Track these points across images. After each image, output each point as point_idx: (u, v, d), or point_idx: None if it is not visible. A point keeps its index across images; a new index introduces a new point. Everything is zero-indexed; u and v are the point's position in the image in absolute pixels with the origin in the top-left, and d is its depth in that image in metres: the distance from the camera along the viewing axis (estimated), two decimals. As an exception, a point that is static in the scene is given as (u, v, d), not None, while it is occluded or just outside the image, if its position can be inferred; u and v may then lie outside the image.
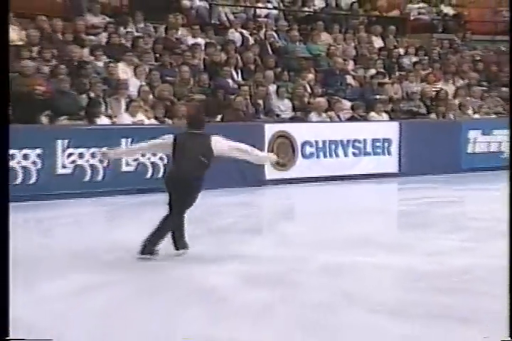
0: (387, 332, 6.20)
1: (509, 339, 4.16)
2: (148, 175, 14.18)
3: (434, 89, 20.12)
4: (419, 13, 24.25)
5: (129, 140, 13.68)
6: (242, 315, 6.69)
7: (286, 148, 15.95)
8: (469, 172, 17.74)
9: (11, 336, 3.75)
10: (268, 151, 15.54)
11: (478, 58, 23.10)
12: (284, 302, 7.09)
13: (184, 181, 8.83)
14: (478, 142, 18.81)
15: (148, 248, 8.62)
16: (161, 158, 14.15)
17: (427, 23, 24.01)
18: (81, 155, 13.35)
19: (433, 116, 19.25)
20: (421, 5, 24.55)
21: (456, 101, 20.01)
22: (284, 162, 15.83)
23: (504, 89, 21.30)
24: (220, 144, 8.96)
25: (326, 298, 7.25)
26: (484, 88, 21.38)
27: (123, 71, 15.76)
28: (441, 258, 9.05)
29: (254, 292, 7.52)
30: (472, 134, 18.71)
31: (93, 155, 13.39)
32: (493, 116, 20.19)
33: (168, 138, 8.99)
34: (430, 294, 7.48)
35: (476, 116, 19.99)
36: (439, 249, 9.62)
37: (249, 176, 14.95)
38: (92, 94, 14.68)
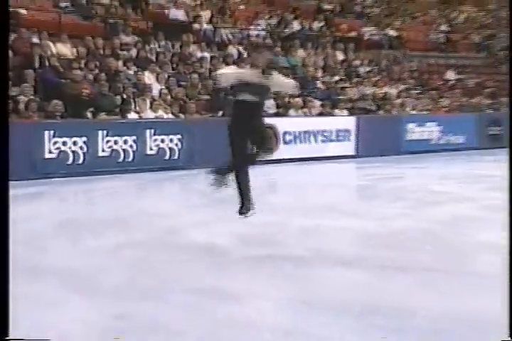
0: (347, 279, 6.19)
1: (509, 339, 3.66)
2: (167, 156, 14.13)
3: (381, 92, 20.20)
4: (371, 34, 24.22)
5: (152, 130, 13.81)
6: (238, 268, 6.66)
7: (271, 137, 15.94)
8: (407, 154, 17.72)
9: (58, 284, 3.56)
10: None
11: (414, 69, 23.15)
12: (269, 258, 7.05)
13: None
14: (414, 132, 18.83)
15: (246, 207, 7.91)
16: (176, 144, 14.17)
17: (376, 42, 23.95)
18: (116, 142, 13.29)
19: (381, 112, 19.32)
20: (372, 28, 24.55)
21: (398, 101, 20.10)
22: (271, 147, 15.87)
23: (433, 92, 21.47)
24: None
25: (301, 253, 7.24)
26: (419, 91, 21.42)
27: (148, 78, 15.78)
28: (387, 222, 9.01)
29: (246, 249, 7.49)
30: (410, 126, 18.79)
31: (125, 142, 13.43)
32: (425, 112, 20.20)
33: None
34: (378, 250, 7.46)
35: (413, 112, 20.01)
36: (385, 215, 9.57)
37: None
38: (125, 96, 14.77)
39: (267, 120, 15.69)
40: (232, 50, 18.97)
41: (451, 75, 23.54)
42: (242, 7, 22.31)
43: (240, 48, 19.19)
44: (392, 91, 20.61)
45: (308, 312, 5.29)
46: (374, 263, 6.82)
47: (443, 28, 27.47)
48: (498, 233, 8.22)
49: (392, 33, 25.10)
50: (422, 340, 4.69)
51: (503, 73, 25.77)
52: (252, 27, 21.45)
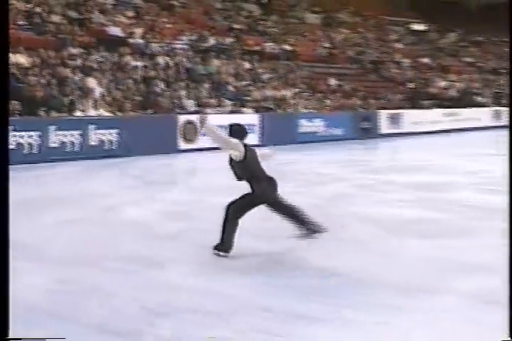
0: (256, 248, 6.11)
1: (509, 339, 3.29)
2: (107, 147, 13.83)
3: (280, 94, 20.19)
4: (271, 49, 24.15)
5: (94, 125, 13.55)
6: (162, 239, 6.51)
7: (192, 131, 15.72)
8: (300, 144, 17.77)
9: (12, 255, 3.37)
10: (180, 133, 15.42)
11: (304, 76, 23.17)
12: (187, 230, 6.93)
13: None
14: (305, 126, 18.89)
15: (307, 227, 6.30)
16: (114, 137, 13.91)
17: (275, 54, 23.89)
18: (64, 135, 12.94)
19: (279, 110, 19.37)
20: (272, 43, 24.51)
21: (293, 102, 20.15)
22: (192, 138, 15.65)
23: (319, 94, 21.57)
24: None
25: (215, 227, 7.10)
26: (308, 94, 21.50)
27: (91, 82, 15.34)
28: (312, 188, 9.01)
29: (169, 223, 7.33)
30: (301, 121, 18.84)
31: (72, 135, 13.10)
32: (313, 110, 20.25)
33: (239, 143, 6.01)
34: (278, 223, 7.38)
35: (304, 110, 20.02)
36: (282, 193, 9.50)
37: (168, 146, 14.79)
38: (71, 97, 14.35)
39: (189, 117, 15.74)
40: (160, 60, 18.69)
41: (332, 81, 23.69)
42: (168, 25, 21.96)
43: (167, 58, 18.93)
44: (288, 93, 20.65)
45: (217, 274, 5.22)
46: (272, 233, 6.74)
47: (326, 44, 27.65)
48: (367, 206, 8.35)
49: (287, 47, 25.12)
50: (308, 294, 4.64)
51: (372, 80, 26.22)
52: (176, 41, 21.20)
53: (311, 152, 15.99)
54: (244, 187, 9.59)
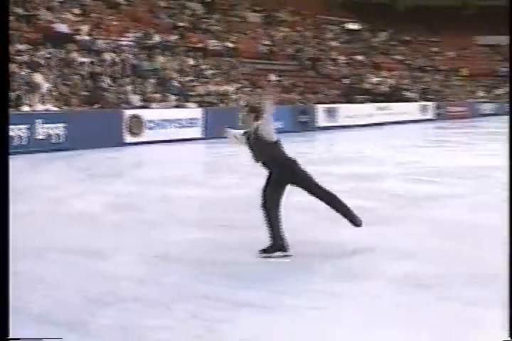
0: (192, 236, 6.02)
1: (509, 339, 3.15)
2: (54, 140, 13.54)
3: (222, 89, 20.11)
4: (214, 46, 24.05)
5: (42, 120, 13.22)
6: (105, 230, 6.37)
7: (138, 124, 15.53)
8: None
9: None
10: (126, 127, 15.18)
11: (246, 72, 23.15)
12: (131, 221, 6.81)
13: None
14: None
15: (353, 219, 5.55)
16: (61, 131, 13.61)
17: (218, 51, 23.80)
18: (12, 129, 12.45)
19: (222, 105, 19.28)
20: (215, 41, 24.39)
21: (234, 97, 20.10)
22: (138, 132, 15.45)
23: (260, 90, 21.54)
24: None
25: (156, 217, 7.02)
26: (249, 89, 21.48)
27: (38, 78, 14.96)
28: (225, 190, 8.94)
29: (113, 214, 7.20)
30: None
31: (20, 129, 12.74)
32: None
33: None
34: (217, 213, 7.35)
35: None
36: (223, 185, 9.49)
37: (114, 139, 14.55)
38: (19, 92, 13.98)
39: (135, 112, 15.53)
40: (107, 56, 18.35)
41: (272, 77, 23.70)
42: (114, 23, 21.60)
43: (113, 55, 18.60)
44: (230, 89, 20.59)
45: (159, 264, 5.14)
46: (213, 223, 6.70)
47: (266, 42, 27.65)
48: (304, 196, 8.33)
49: (230, 45, 25.05)
50: (248, 282, 4.61)
51: (309, 76, 26.33)
52: (122, 38, 20.87)
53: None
54: (187, 179, 9.48)
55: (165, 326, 3.77)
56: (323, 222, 6.73)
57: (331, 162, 12.31)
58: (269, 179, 5.55)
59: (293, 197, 8.23)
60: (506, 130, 18.06)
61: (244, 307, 4.08)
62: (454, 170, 10.98)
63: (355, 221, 5.46)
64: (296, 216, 7.03)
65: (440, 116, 28.24)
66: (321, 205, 7.56)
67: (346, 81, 27.36)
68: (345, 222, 6.74)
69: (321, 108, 21.69)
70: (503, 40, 45.16)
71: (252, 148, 5.58)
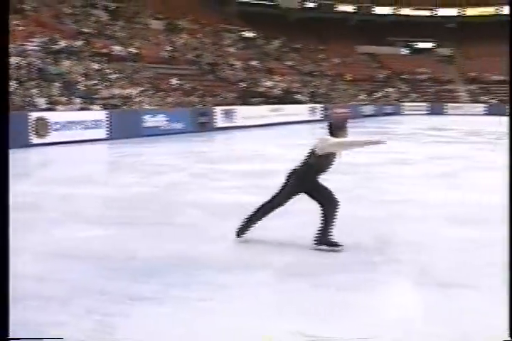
0: (92, 233, 5.87)
1: (509, 339, 3.00)
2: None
3: (126, 93, 19.72)
4: (118, 51, 23.57)
5: None
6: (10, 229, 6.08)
7: (44, 126, 14.95)
8: (145, 137, 17.50)
9: None
10: (32, 129, 14.58)
11: (149, 76, 22.75)
12: (35, 220, 6.53)
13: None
14: (149, 121, 18.56)
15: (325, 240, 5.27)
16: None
17: (122, 56, 23.36)
18: None
19: (125, 107, 18.89)
20: (119, 47, 23.89)
21: (138, 99, 19.77)
22: (43, 134, 14.87)
23: (162, 93, 21.25)
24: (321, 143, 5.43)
25: (59, 216, 6.77)
26: (152, 92, 21.15)
27: None
28: (126, 188, 8.72)
29: (17, 214, 6.85)
30: (146, 117, 18.51)
31: None
32: (157, 107, 19.96)
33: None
34: (118, 210, 7.19)
35: (148, 107, 19.73)
36: (125, 183, 9.27)
37: (20, 141, 13.91)
38: None
39: (41, 114, 14.95)
40: (12, 60, 17.50)
41: (174, 81, 23.48)
42: (20, 28, 20.66)
43: (18, 58, 17.80)
44: (134, 92, 20.21)
45: (58, 261, 4.97)
46: (113, 221, 6.54)
47: (168, 48, 27.35)
48: (201, 193, 8.31)
49: (133, 50, 24.60)
50: (142, 276, 4.52)
51: (208, 80, 26.26)
52: (28, 43, 20.01)
53: (154, 145, 15.74)
54: (90, 179, 9.15)
55: (61, 322, 3.65)
56: (218, 217, 6.74)
57: (228, 160, 12.35)
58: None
59: (189, 194, 8.23)
60: (383, 129, 18.75)
61: (136, 301, 4.01)
62: (337, 166, 11.25)
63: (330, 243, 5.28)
64: (193, 213, 7.00)
65: (327, 117, 28.94)
66: (217, 202, 7.61)
67: (242, 84, 27.50)
68: (238, 216, 6.77)
69: (219, 110, 21.70)
70: (379, 49, 46.88)
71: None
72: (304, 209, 7.10)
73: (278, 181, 9.47)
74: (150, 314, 3.79)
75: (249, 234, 5.71)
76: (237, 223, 6.28)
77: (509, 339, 3.00)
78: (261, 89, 27.86)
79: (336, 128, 5.44)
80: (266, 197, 7.92)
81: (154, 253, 5.15)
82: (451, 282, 4.44)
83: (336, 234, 5.36)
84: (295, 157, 12.45)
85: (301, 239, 5.64)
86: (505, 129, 23.64)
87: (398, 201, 7.67)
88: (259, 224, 6.05)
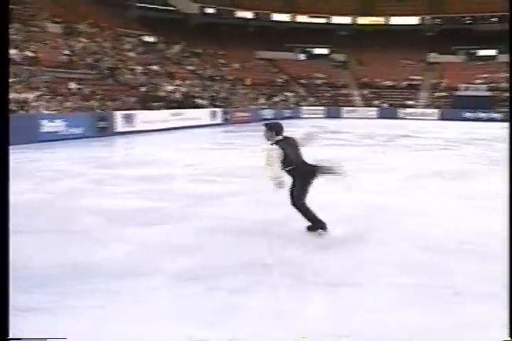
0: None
1: (509, 339, 3.02)
2: None
3: (22, 97, 18.95)
4: (14, 55, 22.55)
5: None
6: None
7: None
8: (43, 143, 16.86)
9: None
10: None
11: (47, 80, 21.96)
12: None
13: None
14: (47, 126, 17.83)
15: (316, 226, 5.94)
16: None
17: (18, 59, 22.36)
18: None
19: (22, 111, 18.17)
20: (15, 50, 22.85)
21: (35, 104, 19.04)
22: None
23: (60, 97, 20.62)
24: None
25: None
26: (50, 97, 20.45)
27: None
28: (23, 195, 8.40)
29: None
30: (44, 122, 17.82)
31: None
32: (55, 111, 19.32)
33: (273, 148, 5.72)
34: (15, 218, 6.90)
35: (46, 112, 19.03)
36: (21, 190, 8.91)
37: None
38: None
39: None
40: None
41: (72, 85, 22.84)
42: None
43: None
44: (31, 96, 19.46)
45: None
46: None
47: (67, 51, 26.57)
48: (97, 199, 8.15)
49: (29, 53, 23.70)
50: (33, 286, 4.40)
51: (108, 84, 25.74)
52: None
53: (52, 150, 15.24)
54: None
55: None
56: (114, 223, 6.66)
57: (127, 165, 12.17)
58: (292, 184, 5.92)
59: (85, 200, 8.05)
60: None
61: (29, 311, 3.92)
62: (236, 170, 11.39)
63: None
64: (89, 219, 6.87)
65: (227, 121, 29.14)
66: (113, 208, 7.51)
67: (143, 89, 27.16)
68: (134, 221, 6.71)
69: (119, 114, 21.31)
70: (277, 54, 47.76)
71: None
72: (199, 214, 7.16)
73: (174, 186, 9.53)
74: (40, 324, 3.72)
75: (146, 238, 5.71)
76: (134, 229, 6.26)
77: (509, 339, 3.03)
78: (161, 94, 27.63)
79: (280, 129, 5.86)
80: (161, 202, 7.94)
81: (48, 262, 5.03)
82: (340, 282, 4.63)
83: (225, 236, 5.45)
84: (192, 162, 12.61)
85: (197, 243, 5.69)
86: (395, 132, 24.80)
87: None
88: (158, 230, 6.07)
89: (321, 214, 6.19)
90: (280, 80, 44.14)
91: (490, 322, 3.85)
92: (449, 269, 4.90)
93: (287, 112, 37.92)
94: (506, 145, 18.04)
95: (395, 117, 39.88)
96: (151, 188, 9.11)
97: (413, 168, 11.91)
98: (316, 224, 5.92)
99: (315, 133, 6.25)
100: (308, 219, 5.92)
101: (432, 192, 8.90)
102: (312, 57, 48.97)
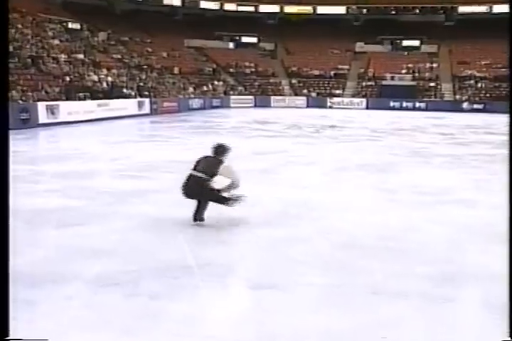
0: None
1: (509, 339, 2.94)
2: None
3: None
4: None
5: None
6: None
7: None
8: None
9: None
10: None
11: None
12: None
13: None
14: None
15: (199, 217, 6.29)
16: None
17: None
18: None
19: None
20: None
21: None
22: None
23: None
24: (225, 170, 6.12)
25: None
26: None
27: None
28: None
29: None
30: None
31: None
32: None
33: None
34: None
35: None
36: None
37: None
38: None
39: None
40: None
41: (-9, 75, 21.86)
42: None
43: None
44: None
45: None
46: None
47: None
48: (15, 198, 7.80)
49: None
50: None
51: (30, 74, 24.80)
52: None
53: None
54: None
55: None
56: (31, 224, 6.41)
57: (48, 160, 11.80)
58: None
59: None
60: (209, 124, 18.89)
61: None
62: (162, 164, 11.23)
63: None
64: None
65: (155, 111, 28.74)
66: (32, 207, 7.17)
67: (67, 78, 26.37)
68: (52, 222, 6.51)
69: (42, 105, 20.61)
70: (206, 43, 47.40)
71: None
72: (121, 213, 7.00)
73: (97, 183, 9.26)
74: None
75: (64, 240, 5.54)
76: (53, 230, 6.06)
77: (509, 339, 2.99)
78: (87, 83, 26.94)
79: (225, 150, 6.20)
80: (82, 200, 7.71)
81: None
82: (262, 283, 4.62)
83: (158, 238, 5.34)
84: (117, 155, 12.34)
85: (114, 245, 5.56)
86: (322, 122, 25.10)
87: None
88: (78, 231, 5.91)
89: (244, 211, 6.18)
90: (209, 69, 43.87)
91: (405, 321, 3.95)
92: (368, 267, 4.99)
93: (216, 101, 37.78)
94: (428, 136, 18.64)
95: (323, 106, 40.45)
96: (73, 185, 8.85)
97: (338, 161, 12.12)
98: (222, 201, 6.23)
99: (235, 183, 6.21)
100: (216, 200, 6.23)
101: (354, 186, 9.07)
102: (241, 45, 48.90)
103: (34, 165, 11.12)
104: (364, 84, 43.33)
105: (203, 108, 34.70)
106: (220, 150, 6.27)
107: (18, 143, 15.53)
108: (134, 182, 9.28)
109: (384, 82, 42.52)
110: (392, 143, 16.54)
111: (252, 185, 8.90)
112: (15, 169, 10.37)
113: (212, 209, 6.39)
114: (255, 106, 40.20)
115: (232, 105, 39.31)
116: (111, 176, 9.87)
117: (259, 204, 7.36)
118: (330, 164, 11.59)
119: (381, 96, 41.25)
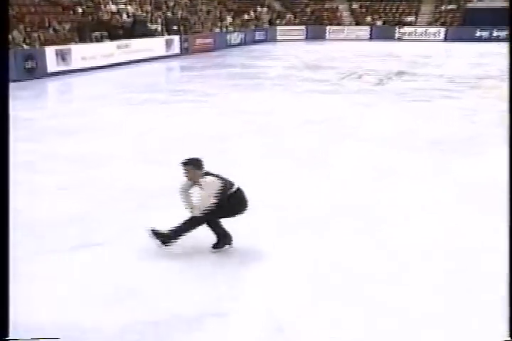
0: None
1: (509, 339, 3.30)
2: None
3: None
4: None
5: None
6: None
7: None
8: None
9: None
10: None
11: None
12: None
13: None
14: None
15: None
16: None
17: None
18: None
19: None
20: None
21: None
22: None
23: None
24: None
25: None
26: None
27: None
28: None
29: None
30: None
31: None
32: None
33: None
34: None
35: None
36: None
37: None
38: None
39: None
40: None
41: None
42: None
43: None
44: None
45: None
46: None
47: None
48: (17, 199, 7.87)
49: None
50: None
51: (35, 5, 24.66)
52: None
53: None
54: None
55: None
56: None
57: (59, 134, 11.82)
58: None
59: None
60: (250, 70, 18.46)
61: None
62: (193, 141, 11.15)
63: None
64: None
65: (186, 51, 28.55)
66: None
67: (79, 10, 26.23)
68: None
69: (50, 50, 20.60)
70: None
71: None
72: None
73: (117, 173, 8.99)
74: None
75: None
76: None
77: (509, 339, 3.29)
78: (103, 17, 26.80)
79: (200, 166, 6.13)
80: (96, 205, 7.50)
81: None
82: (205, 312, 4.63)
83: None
84: (141, 126, 12.25)
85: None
86: (388, 66, 24.26)
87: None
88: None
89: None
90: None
91: None
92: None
93: (259, 34, 37.25)
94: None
95: (390, 38, 39.47)
96: (91, 175, 8.77)
97: (404, 135, 11.68)
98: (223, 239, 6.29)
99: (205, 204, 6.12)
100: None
101: (425, 180, 8.63)
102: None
103: (43, 143, 11.10)
104: (443, 8, 41.93)
105: (243, 43, 34.29)
106: (198, 163, 6.17)
107: (22, 103, 15.44)
108: (163, 172, 8.92)
109: (469, 5, 40.88)
110: (475, 103, 15.89)
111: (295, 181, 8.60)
112: (19, 150, 10.33)
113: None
114: (307, 38, 39.50)
115: (278, 38, 38.74)
116: (134, 161, 9.70)
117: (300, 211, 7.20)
118: (394, 141, 11.15)
119: (465, 23, 39.76)
